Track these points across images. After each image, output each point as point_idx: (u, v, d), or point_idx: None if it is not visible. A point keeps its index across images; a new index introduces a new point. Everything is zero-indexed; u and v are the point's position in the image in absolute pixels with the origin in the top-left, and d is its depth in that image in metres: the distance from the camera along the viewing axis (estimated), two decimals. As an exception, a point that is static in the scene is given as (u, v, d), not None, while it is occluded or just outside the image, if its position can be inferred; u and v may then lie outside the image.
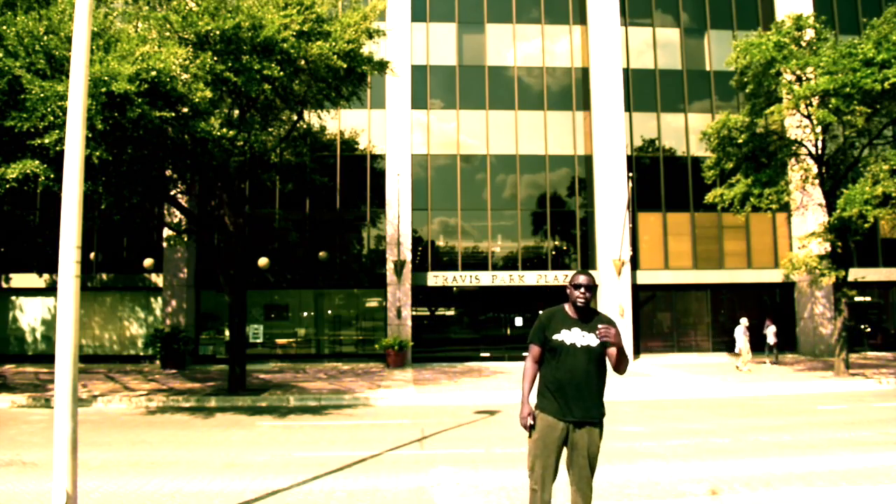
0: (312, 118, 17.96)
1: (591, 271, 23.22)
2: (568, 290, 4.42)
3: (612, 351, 4.26)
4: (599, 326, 4.20)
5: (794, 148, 17.35)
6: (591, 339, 4.25)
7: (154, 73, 10.36)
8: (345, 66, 13.10)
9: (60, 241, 4.55)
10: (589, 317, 4.36)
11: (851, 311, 18.43)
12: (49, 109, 9.95)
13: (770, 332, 21.07)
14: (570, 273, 23.09)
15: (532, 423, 4.28)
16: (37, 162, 10.55)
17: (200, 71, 11.53)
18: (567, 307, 4.42)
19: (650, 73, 24.28)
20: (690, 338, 23.82)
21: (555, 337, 4.27)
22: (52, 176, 10.47)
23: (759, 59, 15.87)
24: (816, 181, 17.30)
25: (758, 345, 21.24)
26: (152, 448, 8.81)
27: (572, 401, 4.19)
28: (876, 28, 15.44)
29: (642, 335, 23.35)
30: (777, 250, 23.60)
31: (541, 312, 4.55)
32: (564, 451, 4.31)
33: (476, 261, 23.33)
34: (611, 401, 14.33)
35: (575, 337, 4.26)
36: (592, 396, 4.24)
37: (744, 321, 19.94)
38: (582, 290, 4.29)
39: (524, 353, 19.32)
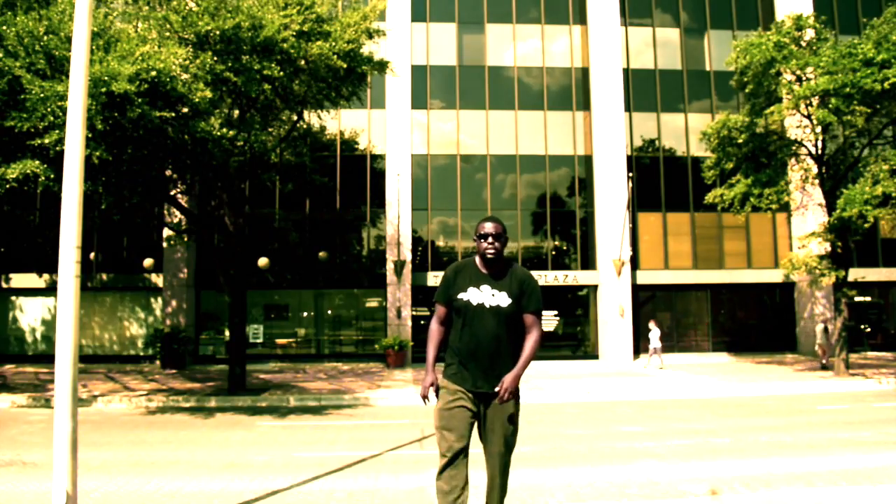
0: (312, 118, 17.97)
1: (589, 271, 23.24)
2: (476, 243, 3.85)
3: (530, 317, 3.78)
4: (497, 389, 3.63)
5: (794, 148, 17.35)
6: (502, 299, 3.72)
7: (154, 73, 10.36)
8: (345, 66, 13.10)
9: (60, 241, 4.55)
10: (502, 272, 3.81)
11: (851, 311, 18.42)
12: (49, 109, 9.95)
13: (654, 337, 20.10)
14: (570, 273, 23.11)
15: (434, 393, 3.77)
16: (37, 162, 10.55)
17: (200, 71, 11.53)
18: (478, 261, 3.85)
19: (650, 73, 24.28)
20: (690, 338, 23.82)
21: (460, 296, 3.75)
22: (52, 176, 10.46)
23: (759, 59, 15.87)
24: (816, 181, 17.30)
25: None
26: (152, 448, 8.80)
27: (480, 371, 3.69)
28: (876, 28, 15.44)
29: (642, 335, 23.34)
30: (777, 250, 23.61)
31: (448, 267, 3.96)
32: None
33: (476, 261, 23.29)
34: (611, 401, 14.35)
35: (483, 296, 3.73)
36: (506, 365, 3.69)
37: (653, 325, 20.30)
38: (489, 239, 3.74)
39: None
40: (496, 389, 3.63)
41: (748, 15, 24.52)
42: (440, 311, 3.89)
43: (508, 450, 3.80)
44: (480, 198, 23.61)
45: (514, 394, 3.63)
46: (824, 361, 19.33)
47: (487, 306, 3.72)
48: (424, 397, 3.75)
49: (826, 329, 19.50)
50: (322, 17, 13.03)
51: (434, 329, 3.92)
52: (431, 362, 3.82)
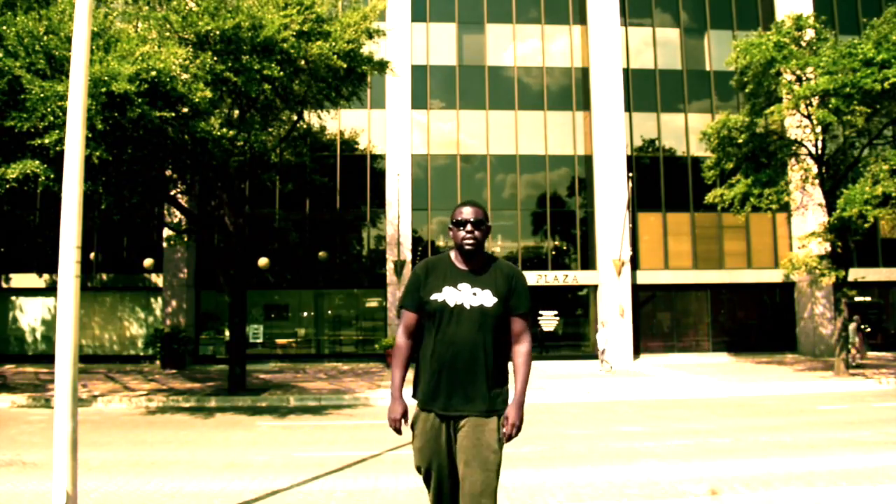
0: (312, 118, 17.97)
1: (589, 271, 23.24)
2: (451, 232, 3.22)
3: (519, 322, 3.18)
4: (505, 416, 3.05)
5: (794, 148, 17.35)
6: (485, 297, 3.09)
7: (154, 73, 10.37)
8: (345, 66, 13.10)
9: (60, 241, 4.55)
10: (483, 266, 3.18)
11: (851, 311, 18.41)
12: (49, 109, 9.95)
13: (602, 338, 19.78)
14: (570, 273, 23.10)
15: (404, 423, 3.16)
16: (37, 162, 10.55)
17: (200, 71, 11.53)
18: (453, 255, 3.23)
19: (650, 73, 24.28)
20: (690, 338, 23.82)
21: (434, 297, 3.10)
22: (52, 176, 10.47)
23: (759, 59, 15.87)
24: (816, 181, 17.30)
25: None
26: (152, 448, 8.80)
27: (455, 387, 3.05)
28: (876, 28, 15.44)
29: (642, 335, 23.35)
30: (777, 250, 23.60)
31: (417, 264, 3.30)
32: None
33: (476, 261, 23.27)
34: (611, 401, 14.36)
35: (462, 296, 3.09)
36: (482, 378, 3.06)
37: (602, 325, 20.16)
38: (468, 227, 3.12)
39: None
40: (504, 431, 3.05)
41: (748, 15, 24.52)
42: (409, 319, 3.20)
43: (489, 491, 2.99)
44: (480, 198, 23.59)
45: (519, 428, 3.07)
46: (858, 361, 19.24)
47: (468, 307, 3.08)
48: (396, 430, 3.15)
49: (859, 328, 19.37)
50: (322, 17, 13.03)
51: (401, 344, 3.21)
52: (398, 386, 3.15)
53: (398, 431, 3.15)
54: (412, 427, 3.19)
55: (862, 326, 20.44)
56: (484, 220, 3.17)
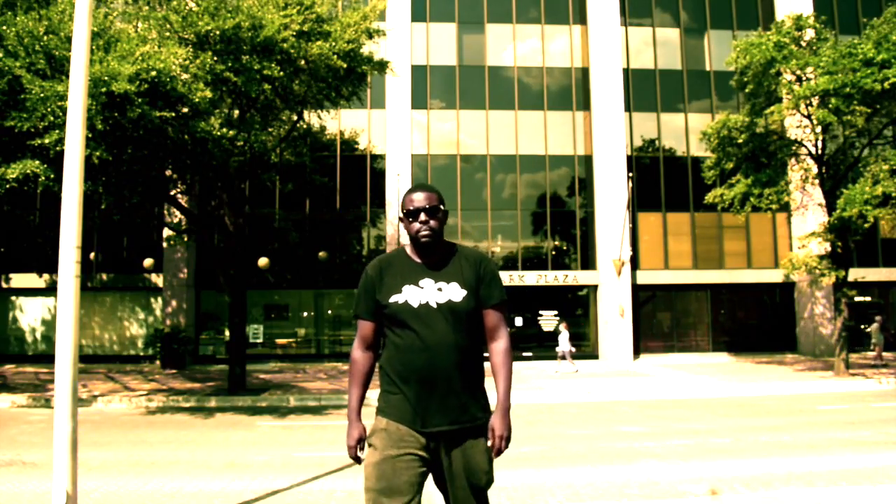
0: (312, 118, 17.97)
1: (589, 271, 23.23)
2: (403, 224, 2.80)
3: (494, 315, 2.76)
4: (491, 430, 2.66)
5: (794, 148, 17.35)
6: (453, 292, 2.69)
7: (154, 73, 10.37)
8: (345, 66, 13.10)
9: (60, 241, 4.55)
10: (445, 257, 2.77)
11: (851, 311, 18.41)
12: (49, 109, 9.95)
13: (563, 339, 19.26)
14: (570, 273, 23.09)
15: (360, 449, 2.73)
16: (37, 162, 10.56)
17: (200, 71, 11.53)
18: (409, 249, 2.83)
19: (650, 73, 24.28)
20: (690, 338, 23.81)
21: (394, 299, 2.69)
22: (52, 176, 10.47)
23: (759, 59, 15.87)
24: (816, 181, 17.30)
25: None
26: (152, 448, 8.80)
27: (434, 400, 2.62)
28: (876, 28, 15.44)
29: (642, 335, 23.34)
30: (777, 250, 23.60)
31: (368, 265, 2.88)
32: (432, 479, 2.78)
33: (476, 261, 23.26)
34: (611, 401, 14.36)
35: (427, 293, 2.68)
36: (461, 386, 2.65)
37: (563, 327, 19.62)
38: (421, 216, 2.70)
39: (525, 353, 19.20)
40: (489, 444, 2.67)
41: (748, 15, 24.52)
42: (365, 328, 2.76)
43: None
44: (480, 198, 23.61)
45: (509, 440, 2.68)
46: (878, 360, 19.13)
47: (435, 306, 2.65)
48: (356, 459, 2.71)
49: (883, 326, 19.21)
50: (322, 17, 13.04)
51: (357, 358, 2.77)
52: (356, 408, 2.72)
53: (357, 460, 2.68)
54: (369, 439, 2.71)
55: (888, 326, 20.20)
56: (439, 205, 2.72)
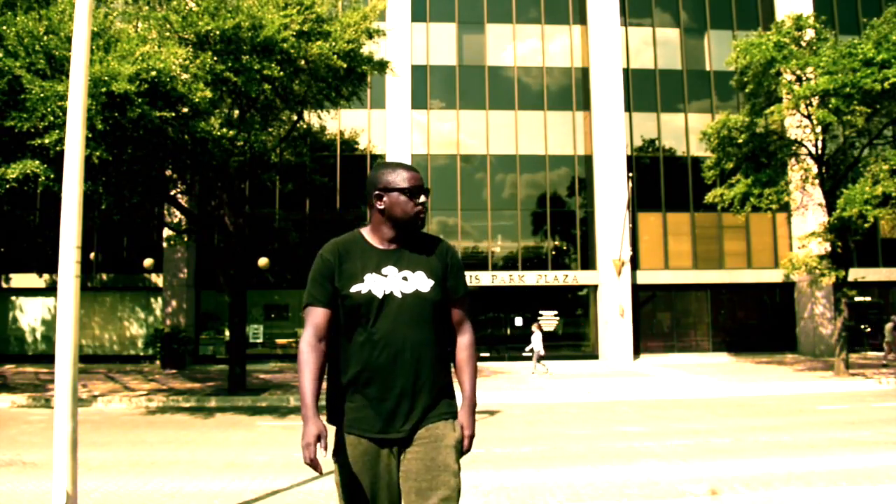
0: (312, 118, 17.97)
1: (589, 271, 23.24)
2: (380, 202, 2.47)
3: (458, 309, 2.59)
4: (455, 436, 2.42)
5: (794, 148, 17.35)
6: (420, 281, 2.44)
7: (154, 73, 10.37)
8: (345, 66, 13.10)
9: (60, 241, 4.55)
10: (408, 242, 2.52)
11: (851, 311, 18.42)
12: (49, 109, 9.95)
13: (536, 340, 18.80)
14: (570, 273, 23.07)
15: (322, 450, 2.27)
16: (37, 162, 10.56)
17: (200, 71, 11.53)
18: (367, 233, 2.52)
19: (650, 73, 24.28)
20: (690, 338, 23.82)
21: (355, 288, 2.39)
22: (52, 176, 10.47)
23: (759, 59, 15.87)
24: (816, 181, 17.31)
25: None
26: (152, 448, 8.80)
27: (399, 402, 2.38)
28: (876, 28, 15.44)
29: (642, 335, 23.35)
30: (777, 250, 23.61)
31: (323, 248, 2.52)
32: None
33: (476, 261, 23.33)
34: (611, 401, 14.36)
35: (391, 282, 2.42)
36: (429, 386, 2.42)
37: (535, 328, 19.32)
38: (422, 197, 2.47)
39: (525, 353, 19.15)
40: (460, 440, 2.45)
41: (748, 15, 24.52)
42: (318, 317, 2.40)
43: None
44: (480, 198, 23.61)
45: (472, 440, 2.51)
46: (889, 359, 19.08)
47: (399, 296, 2.40)
48: (313, 463, 2.20)
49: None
50: (322, 17, 13.03)
51: (308, 350, 2.36)
52: (311, 403, 2.32)
53: (315, 466, 2.20)
54: (334, 457, 2.43)
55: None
56: (424, 186, 2.51)
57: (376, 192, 2.47)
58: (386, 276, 2.43)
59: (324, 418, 2.37)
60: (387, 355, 2.37)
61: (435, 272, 2.49)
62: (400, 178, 2.45)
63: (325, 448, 2.29)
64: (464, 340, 2.59)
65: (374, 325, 2.38)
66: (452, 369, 2.57)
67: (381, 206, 2.46)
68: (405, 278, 2.44)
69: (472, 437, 2.50)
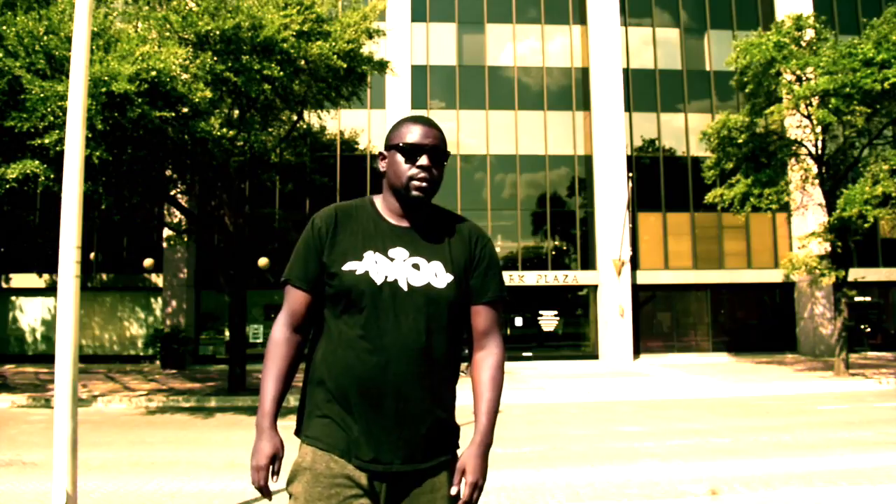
0: (312, 118, 17.97)
1: (589, 271, 23.24)
2: (383, 163, 1.98)
3: (488, 314, 1.96)
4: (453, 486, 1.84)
5: (794, 148, 17.36)
6: (434, 274, 1.88)
7: (154, 73, 10.37)
8: (345, 66, 13.11)
9: (60, 241, 4.55)
10: (429, 223, 1.97)
11: (851, 311, 18.42)
12: (49, 109, 9.95)
13: None
14: (570, 273, 23.06)
15: (272, 475, 1.88)
16: (37, 162, 10.56)
17: (200, 71, 11.54)
18: (380, 202, 1.99)
19: (650, 73, 24.28)
20: (690, 338, 23.82)
21: (348, 266, 1.85)
22: (52, 176, 10.47)
23: (759, 59, 15.88)
24: (816, 181, 17.31)
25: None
26: (152, 448, 8.80)
27: (378, 423, 1.80)
28: (876, 28, 15.44)
29: (642, 335, 23.35)
30: (777, 250, 23.61)
31: (317, 214, 1.99)
32: None
33: (476, 261, 23.27)
34: (611, 401, 14.37)
35: (397, 268, 1.86)
36: (429, 410, 1.84)
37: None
38: (424, 159, 1.90)
39: (525, 353, 19.09)
40: (454, 489, 1.84)
41: (748, 15, 24.52)
42: (297, 301, 1.93)
43: None
44: (480, 198, 23.61)
45: (482, 488, 1.87)
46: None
47: (406, 288, 1.84)
48: (262, 490, 1.87)
49: None
50: (322, 17, 13.04)
51: (280, 341, 1.92)
52: (270, 410, 1.85)
53: (265, 493, 1.86)
54: (289, 484, 1.91)
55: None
56: (447, 150, 1.99)
57: (381, 151, 2.01)
58: (392, 259, 1.87)
59: (289, 431, 1.91)
60: (373, 363, 1.78)
61: (457, 264, 1.92)
62: (402, 133, 1.92)
63: (278, 472, 1.86)
64: (489, 359, 1.95)
65: (367, 321, 1.80)
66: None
67: (383, 169, 1.97)
68: (416, 266, 1.87)
69: (476, 485, 1.85)
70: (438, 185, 1.95)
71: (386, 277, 1.84)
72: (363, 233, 1.91)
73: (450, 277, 1.90)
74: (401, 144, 1.91)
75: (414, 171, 1.90)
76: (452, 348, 1.91)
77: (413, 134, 1.92)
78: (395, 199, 1.95)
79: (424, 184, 1.90)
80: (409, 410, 1.81)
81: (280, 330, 1.94)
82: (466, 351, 1.94)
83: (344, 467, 1.81)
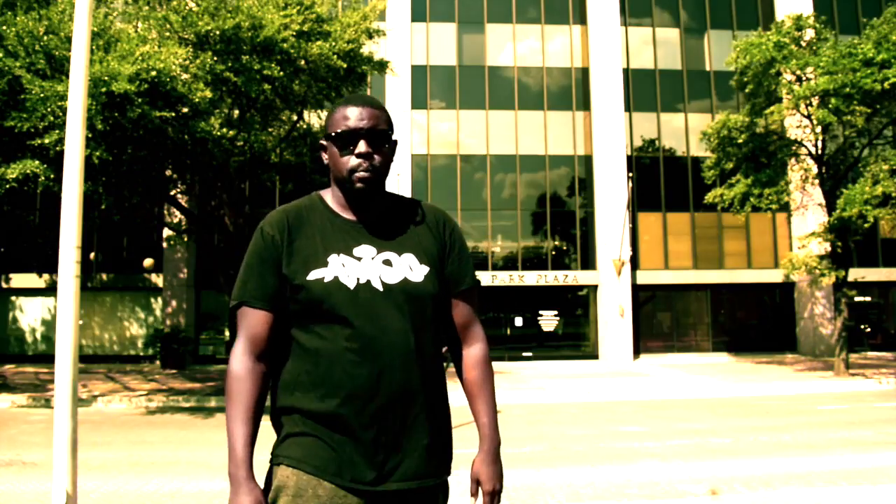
0: (312, 118, 17.98)
1: (589, 271, 23.24)
2: (325, 155, 1.82)
3: (465, 305, 1.81)
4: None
5: (794, 148, 17.36)
6: (408, 267, 1.69)
7: (154, 73, 10.38)
8: (345, 66, 13.12)
9: (60, 241, 4.55)
10: (389, 212, 1.78)
11: (851, 311, 18.42)
12: (49, 109, 9.96)
13: None
14: (570, 273, 23.07)
15: None
16: (37, 162, 10.57)
17: (200, 71, 11.54)
18: (330, 198, 1.83)
19: (650, 73, 24.28)
20: (690, 338, 23.82)
21: (315, 275, 1.64)
22: (52, 176, 10.48)
23: (759, 59, 15.88)
24: (816, 181, 17.31)
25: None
26: (152, 448, 8.81)
27: (370, 440, 1.59)
28: (876, 28, 15.45)
29: (642, 335, 23.34)
30: (777, 250, 23.61)
31: (265, 220, 1.77)
32: None
33: (476, 261, 23.33)
34: (611, 401, 14.38)
35: (367, 268, 1.67)
36: (429, 418, 1.66)
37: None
38: (361, 145, 1.68)
39: (525, 353, 19.04)
40: (470, 500, 1.72)
41: (748, 15, 24.52)
42: (256, 324, 1.66)
43: None
44: (480, 198, 23.61)
45: (500, 496, 1.73)
46: None
47: (381, 288, 1.65)
48: None
49: None
50: (322, 17, 13.05)
51: (242, 375, 1.62)
52: (244, 457, 1.56)
53: None
54: None
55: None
56: (388, 129, 1.72)
57: (321, 151, 1.79)
58: (359, 258, 1.67)
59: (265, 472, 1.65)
60: (365, 375, 1.59)
61: (429, 254, 1.74)
62: (335, 120, 1.72)
63: None
64: (475, 353, 1.82)
65: (345, 328, 1.61)
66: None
67: (326, 162, 1.79)
68: (387, 262, 1.68)
69: (495, 492, 1.71)
70: (385, 171, 1.73)
71: (358, 279, 1.65)
72: (321, 235, 1.71)
73: (426, 269, 1.72)
74: (333, 134, 1.72)
75: (354, 161, 1.69)
76: (438, 346, 1.75)
77: (346, 119, 1.70)
78: (343, 194, 1.77)
79: (367, 174, 1.68)
80: (409, 420, 1.63)
81: (240, 361, 1.64)
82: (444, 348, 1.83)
83: (334, 494, 1.58)
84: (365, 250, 1.69)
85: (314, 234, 1.71)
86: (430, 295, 1.70)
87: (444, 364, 1.92)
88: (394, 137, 1.75)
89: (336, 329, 1.61)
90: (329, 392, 1.60)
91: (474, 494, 1.71)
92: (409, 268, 1.70)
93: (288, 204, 1.80)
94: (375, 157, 1.69)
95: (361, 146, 1.67)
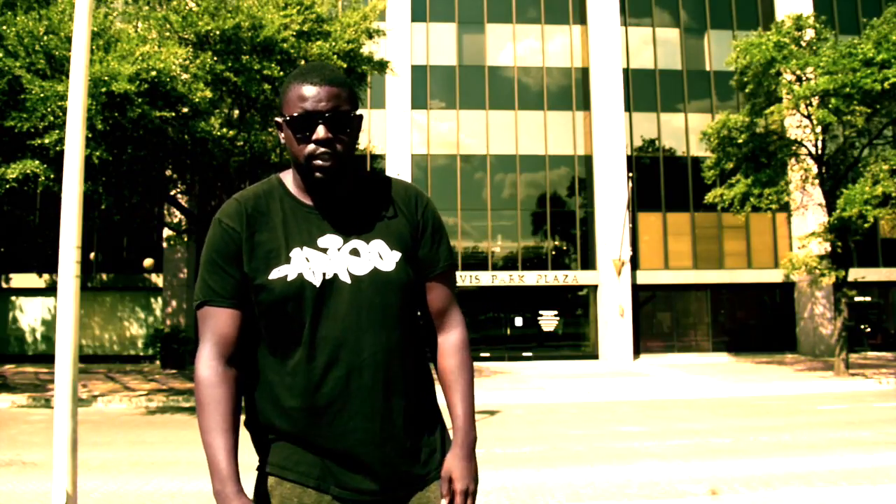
0: (312, 118, 17.97)
1: (589, 271, 23.24)
2: (283, 136, 1.53)
3: (443, 289, 1.66)
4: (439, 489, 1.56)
5: (794, 148, 17.36)
6: (378, 255, 1.54)
7: (154, 73, 10.38)
8: (345, 66, 13.12)
9: (60, 241, 4.54)
10: (356, 195, 1.60)
11: (851, 311, 18.42)
12: (49, 109, 9.96)
13: None
14: (570, 273, 23.07)
15: None
16: (37, 162, 10.57)
17: (200, 71, 11.55)
18: (290, 181, 1.60)
19: (650, 72, 24.29)
20: (690, 338, 23.82)
21: (278, 273, 1.49)
22: (52, 176, 10.49)
23: (759, 59, 15.88)
24: (816, 181, 17.31)
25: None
26: (152, 448, 8.81)
27: (359, 444, 1.49)
28: (876, 28, 15.45)
29: (642, 335, 23.35)
30: (777, 250, 23.61)
31: (221, 211, 1.58)
32: None
33: (476, 261, 23.34)
34: (611, 401, 14.38)
35: (334, 261, 1.51)
36: (407, 419, 1.55)
37: None
38: (319, 130, 1.45)
39: (525, 353, 19.03)
40: (443, 501, 1.54)
41: (748, 15, 24.52)
42: (223, 324, 1.50)
43: None
44: (480, 198, 23.61)
45: (475, 495, 1.57)
46: None
47: (349, 281, 1.51)
48: None
49: None
50: (322, 17, 13.06)
51: (213, 382, 1.47)
52: (229, 470, 1.43)
53: None
54: None
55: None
56: (350, 109, 1.51)
57: (276, 119, 1.58)
58: (325, 250, 1.52)
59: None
60: (335, 380, 1.48)
61: (400, 238, 1.59)
62: (290, 100, 1.50)
63: None
64: (452, 339, 1.67)
65: (310, 332, 1.48)
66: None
67: (283, 141, 1.56)
68: (355, 251, 1.53)
69: (468, 491, 1.54)
70: (347, 156, 1.52)
71: (324, 275, 1.50)
72: (282, 225, 1.54)
73: (397, 255, 1.56)
74: (288, 118, 1.49)
75: (311, 147, 1.48)
76: (414, 339, 1.61)
77: (302, 101, 1.47)
78: (303, 179, 1.56)
79: (326, 162, 1.48)
80: (384, 425, 1.51)
81: (208, 366, 1.47)
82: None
83: (315, 498, 1.50)
84: (330, 240, 1.54)
85: (276, 225, 1.54)
86: (401, 284, 1.55)
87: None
88: (358, 113, 1.54)
89: (301, 331, 1.49)
90: (300, 395, 1.49)
91: (446, 495, 1.54)
92: (379, 255, 1.55)
93: (245, 190, 1.61)
94: (336, 144, 1.49)
95: (320, 131, 1.46)
